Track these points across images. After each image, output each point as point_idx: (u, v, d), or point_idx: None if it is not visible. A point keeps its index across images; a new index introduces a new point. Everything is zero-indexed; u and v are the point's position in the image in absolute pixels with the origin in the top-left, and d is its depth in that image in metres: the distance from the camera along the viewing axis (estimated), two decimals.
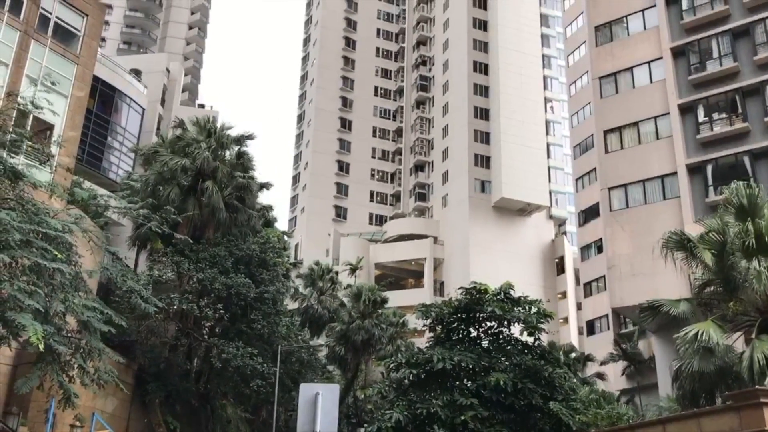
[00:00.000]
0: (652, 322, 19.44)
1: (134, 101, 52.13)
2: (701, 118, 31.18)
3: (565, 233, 77.60)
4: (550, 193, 73.41)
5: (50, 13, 31.90)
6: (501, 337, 19.60)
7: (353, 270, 63.94)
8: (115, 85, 50.06)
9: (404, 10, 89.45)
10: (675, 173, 31.27)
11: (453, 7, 79.69)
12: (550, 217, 74.12)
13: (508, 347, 19.46)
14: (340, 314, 47.59)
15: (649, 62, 33.46)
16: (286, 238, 43.86)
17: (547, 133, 76.29)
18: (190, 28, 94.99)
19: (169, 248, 31.12)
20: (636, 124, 33.09)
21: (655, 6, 34.27)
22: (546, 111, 76.79)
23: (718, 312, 17.51)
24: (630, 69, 34.06)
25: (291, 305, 45.20)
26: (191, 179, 33.16)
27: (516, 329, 19.66)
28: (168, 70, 58.23)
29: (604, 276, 52.76)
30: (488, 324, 19.54)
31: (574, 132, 60.17)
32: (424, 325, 19.88)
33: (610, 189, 33.13)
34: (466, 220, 69.25)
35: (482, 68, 75.52)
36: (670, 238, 17.76)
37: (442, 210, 74.15)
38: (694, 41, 32.24)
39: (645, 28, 34.34)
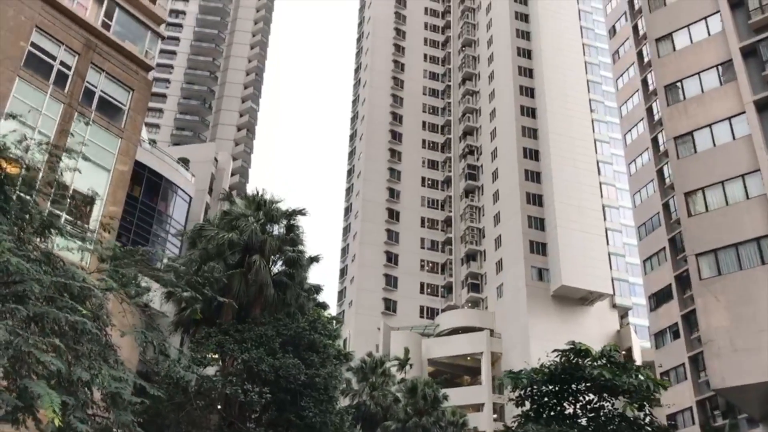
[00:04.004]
0: None
1: (181, 189, 51.07)
2: None
3: (629, 324, 72.91)
4: (612, 280, 69.39)
5: (95, 87, 30.99)
6: (602, 413, 16.17)
7: (402, 365, 60.22)
8: (162, 173, 49.18)
9: (449, 103, 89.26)
10: None
11: (499, 97, 79.01)
12: (614, 306, 69.80)
13: (611, 426, 15.97)
14: (395, 411, 43.80)
15: (729, 118, 30.82)
16: (335, 323, 41.12)
17: (604, 219, 73.17)
18: (241, 115, 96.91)
19: (212, 329, 28.61)
20: (721, 183, 30.08)
21: (730, 62, 31.98)
22: (602, 196, 74.02)
23: None
24: (708, 126, 31.42)
25: (342, 401, 41.82)
26: (238, 255, 30.97)
27: (619, 403, 16.22)
28: (216, 160, 57.58)
29: (683, 364, 48.14)
30: (587, 397, 16.19)
31: (638, 212, 57.04)
32: (511, 399, 16.51)
33: (697, 255, 29.73)
34: (524, 311, 65.37)
35: (532, 154, 73.77)
36: None
37: (497, 301, 70.47)
38: None
39: (721, 83, 31.91)
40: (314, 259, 34.03)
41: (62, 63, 29.51)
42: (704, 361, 33.67)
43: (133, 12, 33.84)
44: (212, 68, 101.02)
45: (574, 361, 15.82)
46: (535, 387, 16.10)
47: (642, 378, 15.41)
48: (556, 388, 16.24)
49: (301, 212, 33.15)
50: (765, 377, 25.66)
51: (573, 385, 15.94)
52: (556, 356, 16.01)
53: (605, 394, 15.52)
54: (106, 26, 32.18)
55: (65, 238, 18.73)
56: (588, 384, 15.76)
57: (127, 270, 17.95)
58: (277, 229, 33.14)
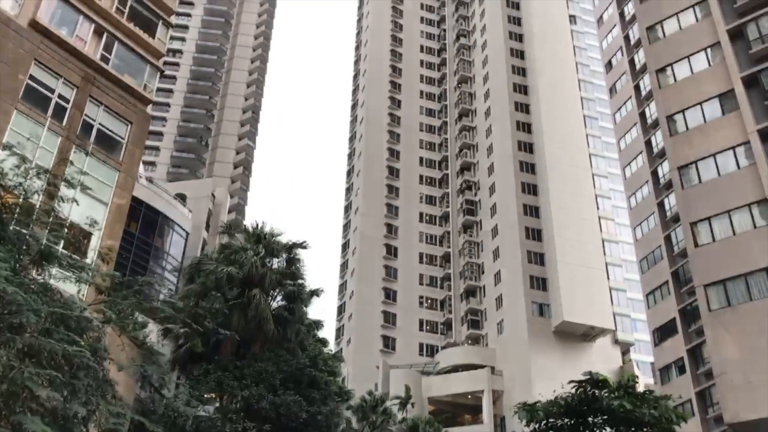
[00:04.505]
0: None
1: (178, 225, 50.59)
2: None
3: (631, 360, 71.90)
4: (614, 316, 68.59)
5: (94, 120, 30.62)
6: None
7: (403, 404, 59.03)
8: (159, 209, 48.76)
9: (446, 138, 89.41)
10: None
11: (496, 133, 79.12)
12: (616, 341, 68.84)
13: None
14: None
15: (733, 147, 30.63)
16: (336, 361, 40.29)
17: (604, 254, 72.66)
18: (237, 153, 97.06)
19: (211, 365, 27.86)
20: (727, 213, 29.73)
21: (731, 91, 31.91)
22: (601, 231, 73.61)
23: None
24: (712, 156, 31.21)
25: None
26: (237, 289, 30.35)
27: None
28: (213, 195, 57.20)
29: (690, 400, 47.18)
30: (605, 431, 15.48)
31: (639, 245, 56.52)
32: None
33: (706, 286, 29.23)
34: (526, 347, 64.39)
35: (531, 189, 73.52)
36: None
37: (497, 337, 69.49)
38: None
39: (723, 113, 31.79)
40: (315, 293, 33.45)
41: (60, 96, 29.19)
42: (712, 396, 32.94)
43: (132, 46, 33.66)
44: (208, 106, 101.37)
45: (590, 393, 15.14)
46: (551, 420, 15.40)
47: (663, 409, 14.73)
48: (573, 422, 15.51)
49: (302, 245, 32.68)
50: None
51: (590, 418, 15.22)
52: (572, 387, 15.36)
53: (622, 427, 14.84)
54: (105, 60, 31.97)
55: (63, 269, 18.18)
56: (605, 417, 15.04)
57: (126, 302, 17.39)
58: (277, 263, 32.66)
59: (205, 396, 26.41)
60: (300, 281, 32.23)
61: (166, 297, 35.67)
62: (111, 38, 32.36)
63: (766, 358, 25.63)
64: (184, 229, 50.76)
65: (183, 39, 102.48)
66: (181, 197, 53.58)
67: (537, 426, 15.50)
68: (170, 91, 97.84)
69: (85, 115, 30.08)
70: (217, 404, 28.67)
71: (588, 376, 15.28)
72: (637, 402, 14.50)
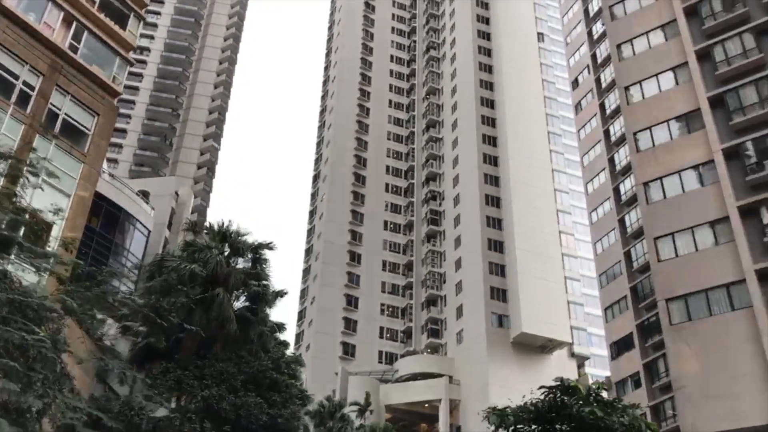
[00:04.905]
0: None
1: (140, 222, 49.62)
2: (766, 220, 28.38)
3: (585, 374, 72.72)
4: (571, 329, 69.37)
5: (59, 110, 29.85)
6: None
7: (362, 411, 58.86)
8: (121, 205, 47.76)
9: (413, 148, 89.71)
10: (743, 281, 27.99)
11: (462, 144, 79.67)
12: (572, 355, 69.59)
13: None
14: None
15: (698, 165, 31.24)
16: (298, 365, 39.72)
17: (563, 268, 73.53)
18: (202, 154, 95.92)
19: (170, 364, 27.24)
20: (691, 229, 30.28)
21: (698, 111, 32.59)
22: (561, 245, 74.51)
23: None
24: (678, 173, 31.80)
25: None
26: (200, 288, 29.76)
27: None
28: (177, 194, 56.30)
29: (645, 414, 47.82)
30: None
31: (599, 260, 57.33)
32: None
33: (668, 301, 29.66)
34: (484, 357, 64.68)
35: (494, 201, 74.12)
36: None
37: (457, 347, 69.68)
38: (747, 142, 30.12)
39: (689, 131, 32.43)
40: (280, 294, 33.01)
41: (25, 83, 28.40)
42: (666, 410, 33.42)
43: (102, 36, 32.95)
44: (175, 105, 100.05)
45: (560, 399, 15.14)
46: (519, 426, 15.35)
47: (632, 417, 14.80)
48: (540, 428, 15.48)
49: (269, 246, 32.25)
50: (736, 425, 25.39)
51: (558, 425, 15.21)
52: (542, 393, 15.35)
53: None
54: (74, 49, 31.21)
55: (23, 256, 17.58)
56: (573, 424, 15.04)
57: (89, 293, 16.84)
58: (243, 263, 32.18)
59: (164, 395, 25.72)
60: (265, 282, 31.79)
61: (125, 294, 34.85)
62: (80, 27, 31.62)
63: (724, 373, 26.05)
64: (146, 227, 49.80)
65: (152, 37, 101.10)
66: (144, 194, 52.58)
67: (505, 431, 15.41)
68: (136, 88, 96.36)
69: (51, 103, 29.32)
70: (174, 404, 28.04)
71: (558, 382, 15.28)
72: (608, 410, 14.53)
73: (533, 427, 15.59)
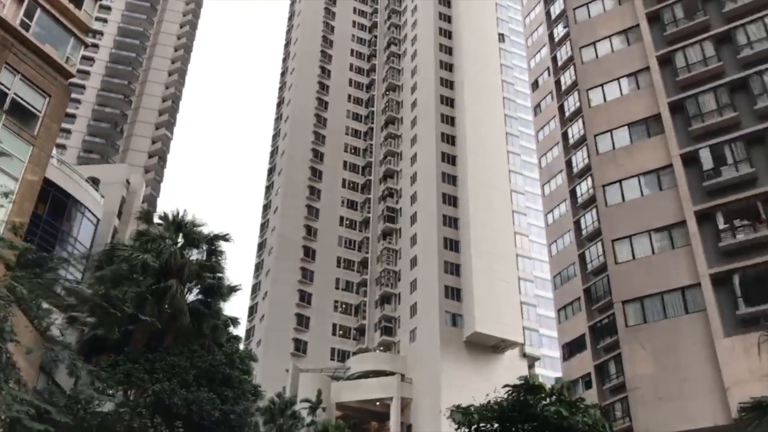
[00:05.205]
0: (758, 426, 15.17)
1: (89, 210, 47.99)
2: (721, 225, 28.83)
3: (536, 374, 73.48)
4: (524, 330, 69.93)
5: (8, 89, 28.54)
6: None
7: (314, 408, 58.28)
8: (69, 192, 46.11)
9: (371, 144, 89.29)
10: (697, 285, 28.42)
11: (421, 142, 79.56)
12: (524, 355, 70.13)
13: None
14: None
15: (657, 170, 31.62)
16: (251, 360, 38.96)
17: (517, 269, 74.08)
18: (154, 142, 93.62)
19: (119, 357, 26.29)
20: (648, 233, 30.61)
21: (658, 115, 32.98)
22: (516, 246, 75.07)
23: None
24: (637, 177, 32.12)
25: None
26: (153, 279, 28.83)
27: None
28: (128, 182, 54.72)
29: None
30: None
31: (553, 261, 57.79)
32: None
33: (624, 303, 29.94)
34: (437, 356, 64.67)
35: (451, 200, 74.16)
36: None
37: (410, 345, 69.56)
38: (705, 148, 30.58)
39: (649, 135, 32.80)
40: (234, 289, 32.28)
41: None
42: (615, 411, 33.74)
43: (56, 15, 31.64)
44: (127, 92, 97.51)
45: (523, 398, 14.95)
46: (482, 424, 15.10)
47: (594, 417, 14.70)
48: (501, 427, 15.26)
49: (225, 238, 31.46)
50: (687, 425, 25.72)
51: (520, 425, 15.01)
52: (506, 392, 15.14)
53: None
54: (25, 26, 29.87)
55: None
56: (535, 423, 14.86)
57: (40, 280, 15.98)
58: (197, 254, 31.33)
59: (112, 389, 24.77)
60: (219, 274, 31.02)
61: (73, 283, 33.60)
62: (33, 4, 30.29)
63: (676, 375, 26.38)
64: (94, 215, 48.16)
65: (105, 20, 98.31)
66: (94, 181, 50.93)
67: (467, 430, 15.15)
68: (87, 72, 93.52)
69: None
70: (122, 398, 27.09)
71: (523, 381, 15.09)
72: (572, 409, 14.39)
73: (495, 425, 15.36)
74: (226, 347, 30.21)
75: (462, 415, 14.84)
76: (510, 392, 15.14)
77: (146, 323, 27.69)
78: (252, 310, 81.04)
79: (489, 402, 15.52)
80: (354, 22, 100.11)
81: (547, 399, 14.90)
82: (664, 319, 28.70)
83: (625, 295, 30.28)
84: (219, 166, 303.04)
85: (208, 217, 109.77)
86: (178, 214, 31.27)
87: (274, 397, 50.48)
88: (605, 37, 36.78)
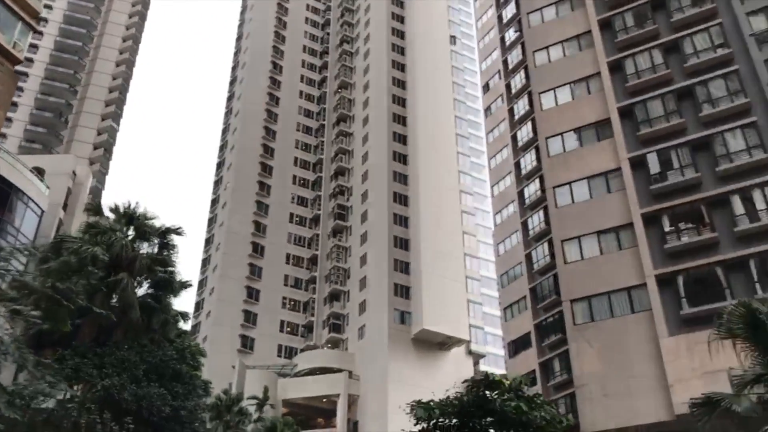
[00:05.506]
0: (707, 422, 15.75)
1: (33, 201, 46.61)
2: (667, 228, 29.83)
3: (481, 371, 74.54)
4: (470, 327, 70.83)
5: None
6: None
7: (261, 405, 57.91)
8: (12, 181, 44.70)
9: (323, 141, 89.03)
10: (643, 285, 29.35)
11: (373, 140, 79.74)
12: (470, 352, 71.02)
13: None
14: None
15: (606, 173, 32.50)
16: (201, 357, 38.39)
17: (465, 267, 74.98)
18: (99, 134, 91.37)
19: (67, 351, 25.69)
20: (597, 234, 31.44)
21: (607, 120, 33.89)
22: (464, 245, 75.95)
23: None
24: (586, 179, 32.94)
25: None
26: (103, 272, 28.22)
27: None
28: (74, 173, 53.27)
29: None
30: None
31: (500, 261, 58.71)
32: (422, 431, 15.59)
33: (572, 301, 30.70)
34: (385, 353, 64.96)
35: (401, 199, 74.58)
36: (733, 311, 14.63)
37: (358, 342, 69.67)
38: (653, 152, 31.59)
39: (599, 139, 33.68)
40: (185, 285, 31.86)
41: None
42: (559, 409, 34.50)
43: None
44: (72, 81, 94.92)
45: (482, 394, 15.23)
46: (440, 420, 15.33)
47: (551, 413, 15.08)
48: (459, 423, 15.51)
49: (177, 231, 31.01)
50: (632, 422, 26.52)
51: (479, 420, 15.29)
52: (466, 387, 15.40)
53: (512, 430, 15.00)
54: None
55: None
56: (492, 419, 15.17)
57: None
58: (148, 247, 30.81)
59: (60, 384, 24.13)
60: (171, 269, 30.57)
61: (16, 275, 32.57)
62: None
63: (622, 372, 27.18)
64: (39, 206, 46.82)
65: (50, 7, 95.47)
66: (39, 172, 49.46)
67: (426, 425, 15.34)
68: (30, 60, 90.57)
69: None
70: (69, 394, 26.47)
71: (482, 377, 15.37)
72: (532, 405, 14.75)
73: (454, 421, 15.60)
74: (176, 342, 29.78)
75: (423, 410, 15.02)
76: (470, 387, 15.39)
77: (94, 317, 27.13)
78: (198, 306, 79.90)
79: (448, 397, 15.74)
80: (307, 18, 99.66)
81: (505, 395, 15.17)
82: (611, 318, 29.56)
83: (573, 294, 31.06)
84: (167, 161, 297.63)
85: (153, 211, 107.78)
86: (129, 206, 30.72)
87: (221, 393, 49.99)
88: (558, 42, 37.61)
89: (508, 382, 15.64)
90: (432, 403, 15.62)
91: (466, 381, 15.65)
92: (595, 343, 29.09)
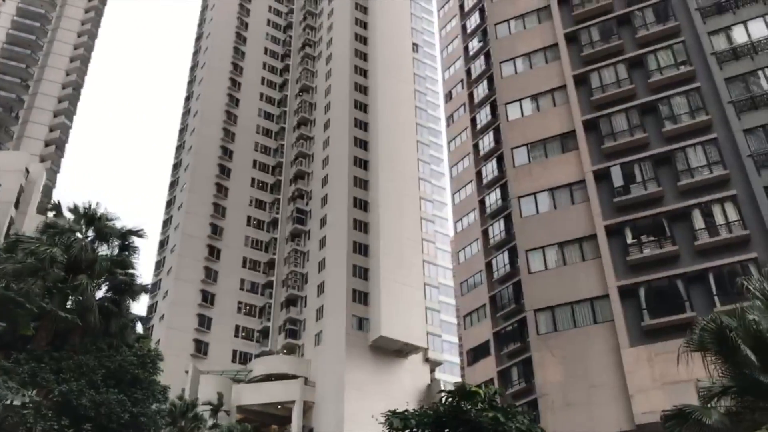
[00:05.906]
0: None
1: None
2: (629, 240, 30.36)
3: (437, 378, 74.68)
4: (427, 335, 70.96)
5: None
6: None
7: (215, 410, 57.09)
8: None
9: (282, 144, 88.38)
10: (606, 296, 29.81)
11: (333, 145, 79.52)
12: (426, 360, 71.15)
13: None
14: None
15: (570, 184, 32.94)
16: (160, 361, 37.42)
17: (423, 274, 75.16)
18: (51, 130, 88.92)
19: (22, 355, 24.76)
20: (560, 244, 31.80)
21: (572, 132, 34.38)
22: (423, 252, 76.15)
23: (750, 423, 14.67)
24: (551, 190, 33.33)
25: None
26: (61, 273, 27.33)
27: None
28: (27, 171, 51.82)
29: None
30: None
31: (460, 269, 59.02)
32: None
33: (536, 311, 30.96)
34: (342, 360, 64.60)
35: (362, 205, 74.46)
36: (705, 326, 14.87)
37: (314, 348, 69.15)
38: (616, 165, 32.14)
39: (563, 151, 34.15)
40: (145, 288, 31.10)
41: None
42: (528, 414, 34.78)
43: None
44: (24, 75, 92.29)
45: (456, 404, 15.19)
46: (415, 430, 15.22)
47: (527, 423, 15.12)
48: None
49: (138, 233, 30.20)
50: (594, 431, 26.79)
51: (454, 430, 15.24)
52: (442, 397, 15.34)
53: None
54: None
55: None
56: (466, 429, 15.12)
57: None
58: (107, 250, 29.96)
59: (14, 389, 23.24)
60: (131, 271, 29.79)
61: None
62: None
63: (584, 382, 27.49)
64: None
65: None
66: None
67: None
68: None
69: None
70: (17, 400, 25.51)
71: (457, 387, 15.33)
72: (508, 415, 14.76)
73: (427, 431, 15.49)
74: (135, 347, 29.02)
75: (400, 420, 14.89)
76: (445, 397, 15.33)
77: (50, 320, 26.27)
78: (151, 309, 78.24)
79: (422, 407, 15.65)
80: (269, 20, 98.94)
81: (479, 405, 15.16)
82: (573, 328, 29.91)
83: (536, 304, 31.35)
84: (121, 161, 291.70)
85: (114, 212, 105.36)
86: (90, 206, 29.82)
87: (175, 399, 49.02)
88: (525, 54, 38.05)
89: (483, 392, 15.56)
90: (407, 413, 15.48)
91: (441, 391, 15.57)
92: (557, 353, 29.39)
